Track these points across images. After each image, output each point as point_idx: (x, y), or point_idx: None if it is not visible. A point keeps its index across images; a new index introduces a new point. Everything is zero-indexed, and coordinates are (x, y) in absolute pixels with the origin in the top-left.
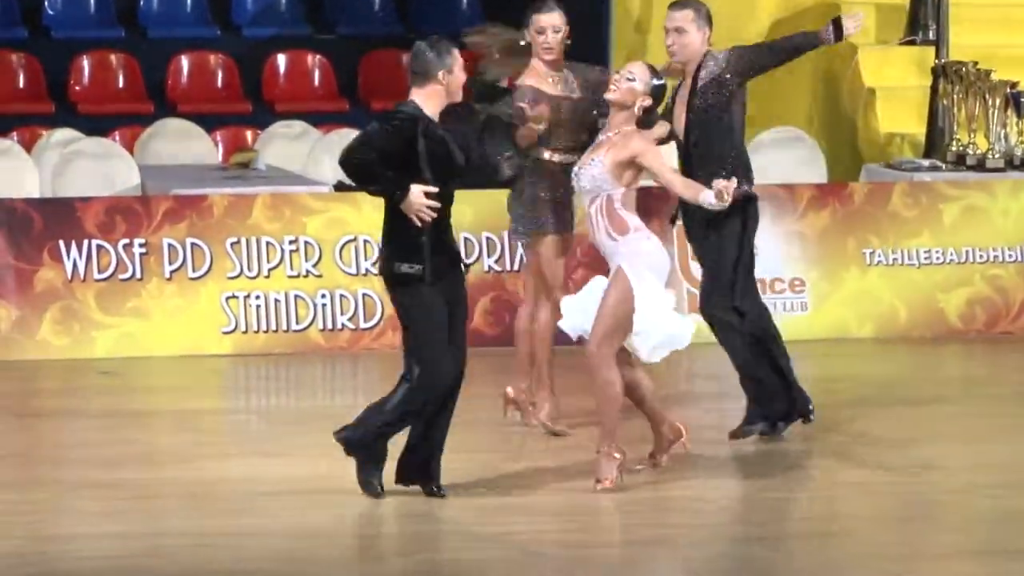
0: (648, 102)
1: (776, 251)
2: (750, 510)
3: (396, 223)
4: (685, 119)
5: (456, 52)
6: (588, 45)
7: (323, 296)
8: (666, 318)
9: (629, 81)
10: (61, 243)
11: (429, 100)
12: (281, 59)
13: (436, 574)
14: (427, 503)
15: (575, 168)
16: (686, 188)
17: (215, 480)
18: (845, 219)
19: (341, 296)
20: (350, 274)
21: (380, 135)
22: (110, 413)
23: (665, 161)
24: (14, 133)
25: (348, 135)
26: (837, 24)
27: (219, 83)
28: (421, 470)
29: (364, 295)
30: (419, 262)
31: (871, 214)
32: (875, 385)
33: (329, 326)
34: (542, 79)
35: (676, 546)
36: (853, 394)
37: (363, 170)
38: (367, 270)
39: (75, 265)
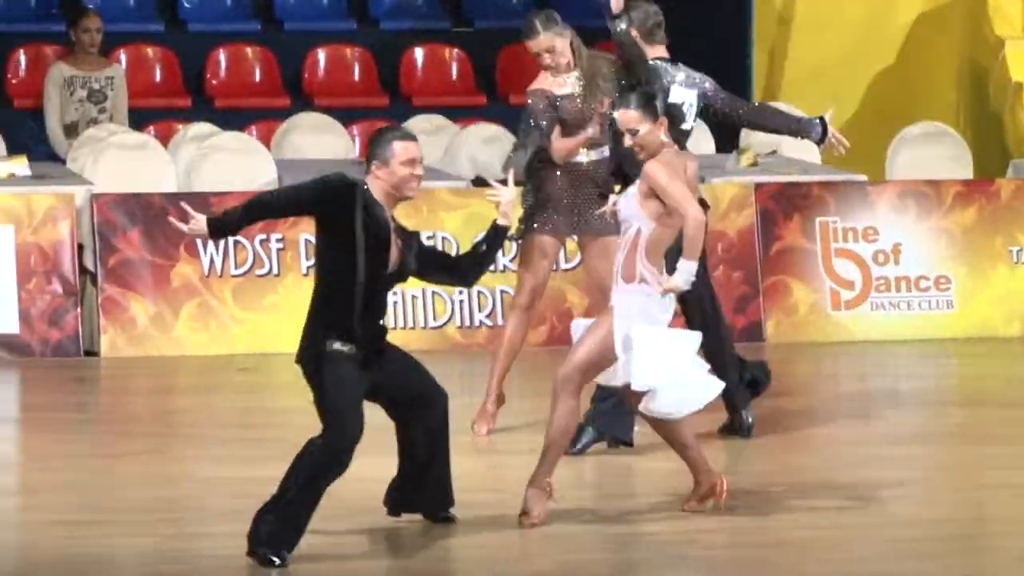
0: (665, 123)
1: (922, 248)
2: (893, 513)
3: (325, 299)
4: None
5: (399, 146)
6: (730, 41)
7: (461, 293)
8: (677, 376)
9: (634, 135)
10: (198, 238)
11: (373, 185)
12: (419, 53)
13: (575, 574)
14: (553, 503)
15: (614, 197)
16: (695, 237)
17: (351, 478)
18: (992, 216)
19: (479, 293)
20: (488, 271)
21: (311, 186)
22: (247, 410)
23: (678, 182)
24: (151, 127)
25: (486, 129)
26: (824, 125)
27: (356, 77)
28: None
29: (502, 292)
30: (350, 341)
31: (1018, 211)
32: (1022, 384)
33: (467, 323)
34: (550, 82)
35: (818, 548)
36: (999, 394)
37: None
38: (505, 267)
39: (212, 260)
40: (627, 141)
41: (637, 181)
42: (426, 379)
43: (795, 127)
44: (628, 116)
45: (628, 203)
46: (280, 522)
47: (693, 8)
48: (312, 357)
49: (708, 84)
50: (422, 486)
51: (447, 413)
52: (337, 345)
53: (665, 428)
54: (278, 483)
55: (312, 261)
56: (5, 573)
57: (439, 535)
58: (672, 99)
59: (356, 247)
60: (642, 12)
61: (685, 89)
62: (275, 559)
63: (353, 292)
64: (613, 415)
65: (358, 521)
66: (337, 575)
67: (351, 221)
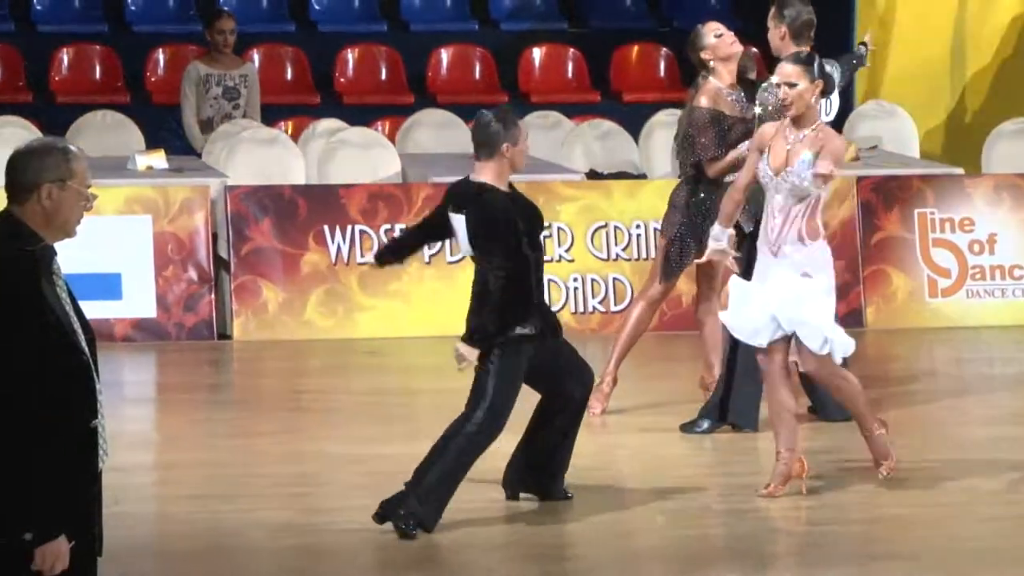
0: (820, 86)
1: (1016, 238)
2: (989, 491)
3: (508, 286)
4: None
5: (522, 125)
6: (833, 42)
7: (575, 280)
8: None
9: (792, 88)
10: (326, 228)
11: (495, 173)
12: (536, 52)
13: (685, 548)
14: (664, 480)
15: (771, 172)
16: None
17: None
18: None
19: (592, 280)
20: (601, 259)
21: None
22: (374, 391)
23: None
24: (283, 123)
25: (599, 125)
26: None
27: (477, 75)
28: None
29: (614, 279)
30: (533, 323)
31: None
32: None
33: (581, 309)
34: (720, 99)
35: (917, 526)
36: None
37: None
38: (617, 255)
39: (339, 249)
40: (782, 92)
41: (807, 156)
42: (575, 354)
43: (854, 61)
44: (788, 69)
45: (806, 176)
46: (427, 495)
47: None
48: (495, 339)
49: (837, 73)
50: (541, 470)
51: (590, 390)
52: (518, 329)
53: (827, 377)
54: (410, 459)
55: (433, 250)
56: (142, 543)
57: (554, 510)
58: None
59: (521, 242)
60: (795, 10)
61: None
62: (415, 530)
63: (529, 277)
64: (739, 401)
65: (473, 495)
66: (454, 546)
67: (515, 223)
